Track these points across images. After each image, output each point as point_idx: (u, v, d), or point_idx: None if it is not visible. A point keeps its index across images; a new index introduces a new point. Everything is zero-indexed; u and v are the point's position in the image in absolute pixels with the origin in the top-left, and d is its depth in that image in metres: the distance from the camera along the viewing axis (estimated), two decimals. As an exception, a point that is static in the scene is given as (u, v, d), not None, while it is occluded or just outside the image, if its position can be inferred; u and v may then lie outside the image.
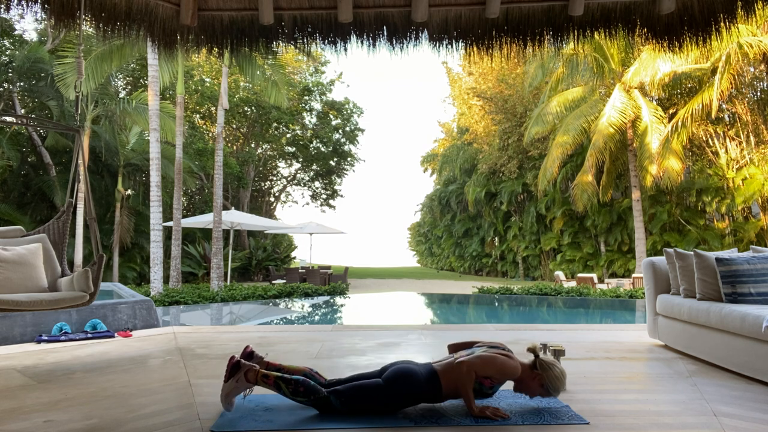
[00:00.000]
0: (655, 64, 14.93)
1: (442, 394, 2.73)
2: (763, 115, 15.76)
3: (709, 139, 16.85)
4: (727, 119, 16.92)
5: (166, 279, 15.08)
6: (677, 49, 4.74)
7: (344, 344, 4.75)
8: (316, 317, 11.52)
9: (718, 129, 16.44)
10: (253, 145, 29.46)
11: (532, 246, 24.79)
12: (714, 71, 14.10)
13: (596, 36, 4.82)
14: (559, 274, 17.32)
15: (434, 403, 2.80)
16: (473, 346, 2.96)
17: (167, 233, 16.45)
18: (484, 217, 29.10)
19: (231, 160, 24.17)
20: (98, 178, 18.95)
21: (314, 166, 32.54)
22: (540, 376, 2.76)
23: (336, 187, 34.33)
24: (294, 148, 31.06)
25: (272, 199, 33.94)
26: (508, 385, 3.24)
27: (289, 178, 33.76)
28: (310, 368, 2.91)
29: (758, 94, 16.57)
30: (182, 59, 13.93)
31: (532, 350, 2.84)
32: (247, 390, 2.76)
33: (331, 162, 32.36)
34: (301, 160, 32.01)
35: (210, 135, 27.14)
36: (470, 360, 2.68)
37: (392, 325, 6.07)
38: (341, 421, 2.59)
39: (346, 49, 4.85)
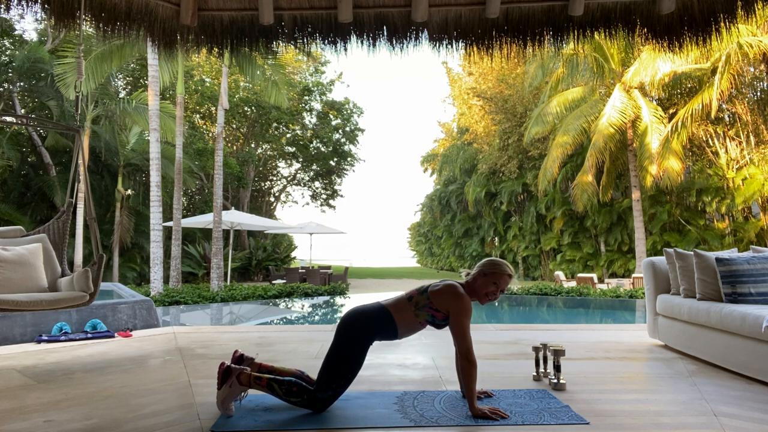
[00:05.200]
0: (655, 64, 14.93)
1: (397, 328, 2.77)
2: (763, 115, 15.75)
3: (709, 139, 16.85)
4: (727, 119, 16.92)
5: (166, 279, 15.09)
6: (677, 49, 4.74)
7: (344, 344, 4.74)
8: (316, 317, 11.52)
9: (718, 129, 16.44)
10: (253, 145, 29.46)
11: (532, 246, 24.79)
12: (714, 71, 14.09)
13: (596, 36, 4.82)
14: (559, 274, 17.32)
15: (393, 339, 2.84)
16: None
17: (167, 233, 16.45)
18: (484, 217, 29.10)
19: (231, 160, 24.17)
20: (98, 178, 18.95)
21: (314, 166, 32.53)
22: (476, 274, 2.86)
23: (336, 187, 34.33)
24: (294, 148, 31.05)
25: (272, 199, 33.93)
26: (508, 385, 3.25)
27: (289, 178, 33.76)
28: (300, 371, 2.93)
29: (758, 94, 16.57)
30: (182, 59, 13.94)
31: (467, 275, 2.94)
32: (242, 393, 2.77)
33: (331, 162, 32.35)
34: (301, 160, 32.00)
35: (210, 135, 27.14)
36: (460, 349, 2.71)
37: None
38: (341, 421, 2.59)
39: (346, 49, 4.85)
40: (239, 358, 2.92)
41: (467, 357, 2.69)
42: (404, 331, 2.80)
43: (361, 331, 2.74)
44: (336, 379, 2.70)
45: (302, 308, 12.48)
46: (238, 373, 2.72)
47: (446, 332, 5.70)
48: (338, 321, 2.86)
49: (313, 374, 2.98)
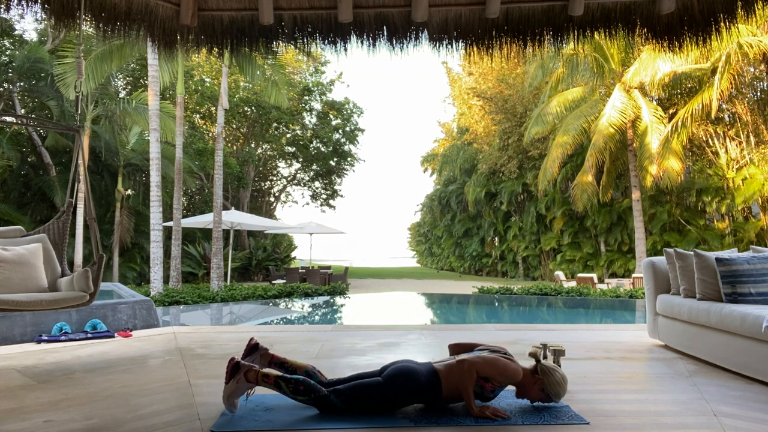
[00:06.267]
0: (655, 64, 14.93)
1: (442, 395, 2.73)
2: (763, 115, 15.75)
3: (709, 139, 16.85)
4: (727, 119, 16.92)
5: (166, 279, 15.08)
6: (677, 49, 4.74)
7: (344, 344, 4.75)
8: (316, 317, 11.52)
9: (718, 129, 16.44)
10: (253, 145, 29.46)
11: (532, 246, 24.79)
12: (714, 71, 14.09)
13: (596, 36, 4.82)
14: (559, 274, 17.32)
15: (435, 404, 2.79)
16: (474, 348, 2.95)
17: (167, 233, 16.44)
18: (484, 217, 29.10)
19: (231, 160, 24.17)
20: (98, 178, 18.95)
21: (314, 166, 32.54)
22: (541, 381, 2.76)
23: (336, 187, 34.35)
24: (294, 148, 31.06)
25: (272, 199, 33.94)
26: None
27: (289, 178, 33.77)
28: (312, 366, 2.92)
29: (758, 94, 16.57)
30: (182, 59, 13.93)
31: (533, 355, 2.85)
32: (250, 390, 2.77)
33: (331, 162, 32.36)
34: (301, 160, 32.02)
35: (210, 135, 27.14)
36: (472, 358, 2.68)
37: (392, 325, 6.07)
38: (341, 421, 2.59)
39: (346, 49, 4.85)
40: (254, 347, 2.92)
41: (470, 371, 2.64)
42: (448, 398, 2.76)
43: (408, 393, 2.70)
44: (360, 406, 2.68)
45: (302, 308, 12.48)
46: (246, 369, 2.72)
47: (447, 333, 5.71)
48: (391, 366, 2.82)
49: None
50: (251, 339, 2.97)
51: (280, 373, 2.75)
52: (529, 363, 2.85)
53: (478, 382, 2.69)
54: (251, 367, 2.73)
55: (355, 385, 2.71)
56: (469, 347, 2.99)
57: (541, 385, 2.76)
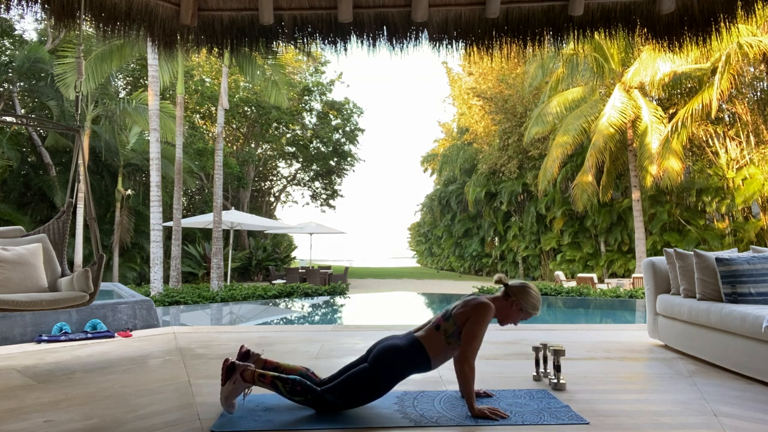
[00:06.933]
0: (655, 64, 14.93)
1: (431, 361, 2.74)
2: (763, 115, 15.75)
3: (709, 139, 16.85)
4: (727, 119, 16.92)
5: (166, 279, 15.09)
6: (677, 49, 4.74)
7: (344, 344, 4.75)
8: (316, 317, 11.52)
9: (718, 129, 16.44)
10: (253, 145, 29.46)
11: (532, 246, 24.79)
12: (714, 71, 14.09)
13: (596, 36, 4.83)
14: (559, 274, 17.32)
15: (426, 371, 2.79)
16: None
17: (167, 233, 16.45)
18: (484, 217, 29.10)
19: (231, 160, 24.17)
20: (98, 178, 18.95)
21: (314, 166, 32.54)
22: (516, 302, 2.81)
23: (336, 187, 34.34)
24: (294, 148, 31.06)
25: (272, 199, 33.93)
26: (508, 385, 3.25)
27: (289, 178, 33.77)
28: (306, 368, 2.92)
29: (758, 94, 16.57)
30: (182, 59, 13.94)
31: (498, 281, 2.88)
32: (246, 390, 2.76)
33: (331, 162, 32.36)
34: (301, 160, 32.01)
35: (210, 135, 27.14)
36: (464, 353, 2.68)
37: (392, 325, 6.06)
38: (341, 421, 2.59)
39: (346, 49, 4.86)
40: (245, 354, 2.90)
41: (467, 361, 2.66)
42: (437, 361, 2.77)
43: (397, 369, 2.71)
44: (354, 396, 2.68)
45: (302, 308, 12.48)
46: (242, 369, 2.71)
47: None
48: (374, 346, 2.82)
49: (317, 372, 2.98)
50: (242, 347, 2.93)
51: (276, 374, 2.74)
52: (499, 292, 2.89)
53: (460, 338, 2.70)
54: (247, 366, 2.73)
55: (345, 378, 2.71)
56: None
57: (518, 305, 2.81)
